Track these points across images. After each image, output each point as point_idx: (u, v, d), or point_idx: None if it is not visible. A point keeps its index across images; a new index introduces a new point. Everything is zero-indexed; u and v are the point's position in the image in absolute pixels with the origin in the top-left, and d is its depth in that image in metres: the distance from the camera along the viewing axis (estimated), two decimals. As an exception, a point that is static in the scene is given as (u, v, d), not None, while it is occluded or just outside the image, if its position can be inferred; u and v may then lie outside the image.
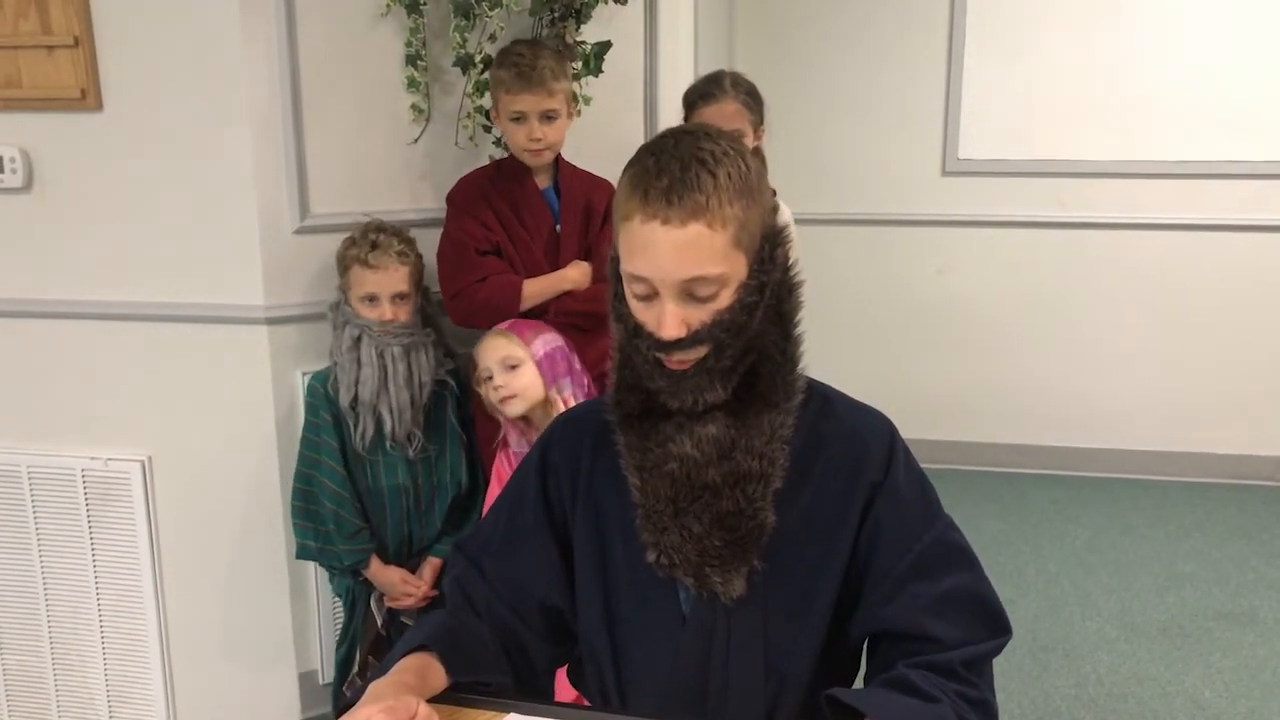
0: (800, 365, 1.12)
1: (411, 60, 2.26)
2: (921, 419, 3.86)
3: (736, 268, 1.03)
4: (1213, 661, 2.69)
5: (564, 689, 1.36)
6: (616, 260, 1.08)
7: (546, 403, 2.02)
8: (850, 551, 1.12)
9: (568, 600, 1.20)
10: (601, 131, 2.42)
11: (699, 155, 1.01)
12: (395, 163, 2.32)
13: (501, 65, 2.14)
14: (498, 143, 2.35)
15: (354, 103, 2.24)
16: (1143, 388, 3.93)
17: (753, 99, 2.41)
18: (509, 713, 1.08)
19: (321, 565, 2.23)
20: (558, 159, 2.25)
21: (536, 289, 2.18)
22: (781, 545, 1.10)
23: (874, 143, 3.96)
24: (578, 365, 2.09)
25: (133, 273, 2.20)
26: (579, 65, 2.35)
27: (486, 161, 2.33)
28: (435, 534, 2.22)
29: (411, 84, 2.27)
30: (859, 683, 1.16)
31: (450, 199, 2.24)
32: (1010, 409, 4.03)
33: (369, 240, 2.09)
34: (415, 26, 2.23)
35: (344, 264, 2.12)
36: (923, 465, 1.17)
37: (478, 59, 2.29)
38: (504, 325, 2.08)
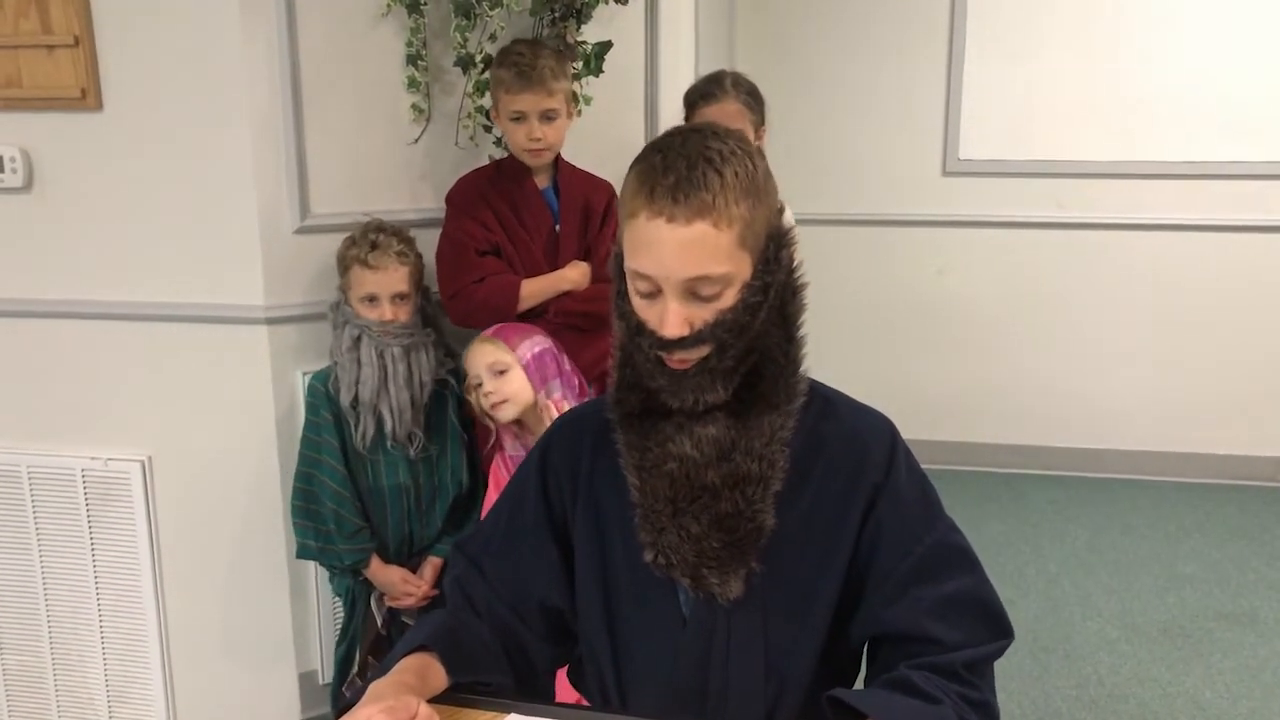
0: (802, 367, 1.12)
1: (412, 60, 2.25)
2: (921, 419, 3.86)
3: (741, 267, 1.03)
4: (1213, 662, 2.68)
5: (565, 691, 1.36)
6: (620, 257, 1.08)
7: (537, 405, 2.03)
8: (851, 553, 1.11)
9: (568, 600, 1.20)
10: (602, 131, 2.42)
11: (706, 154, 1.01)
12: (395, 162, 2.32)
13: (502, 65, 2.14)
14: (498, 143, 2.34)
15: (354, 102, 2.24)
16: (1142, 388, 3.93)
17: (754, 99, 2.41)
18: (509, 713, 1.08)
19: (322, 565, 2.23)
20: (557, 159, 2.25)
21: (535, 289, 2.18)
22: (781, 546, 1.10)
23: (874, 143, 3.96)
24: (567, 366, 2.09)
25: (133, 272, 2.20)
26: (579, 65, 2.35)
27: (487, 161, 2.33)
28: (436, 533, 2.22)
29: (412, 84, 2.27)
30: (859, 684, 1.16)
31: (449, 199, 2.24)
32: (1010, 409, 4.03)
33: (369, 240, 2.09)
34: (416, 26, 2.23)
35: (344, 264, 2.12)
36: (923, 466, 1.16)
37: (478, 59, 2.29)
38: (489, 331, 2.08)
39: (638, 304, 1.06)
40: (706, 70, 2.54)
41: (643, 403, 1.11)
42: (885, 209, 3.98)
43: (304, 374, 2.22)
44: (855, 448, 1.13)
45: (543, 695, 1.23)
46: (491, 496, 2.12)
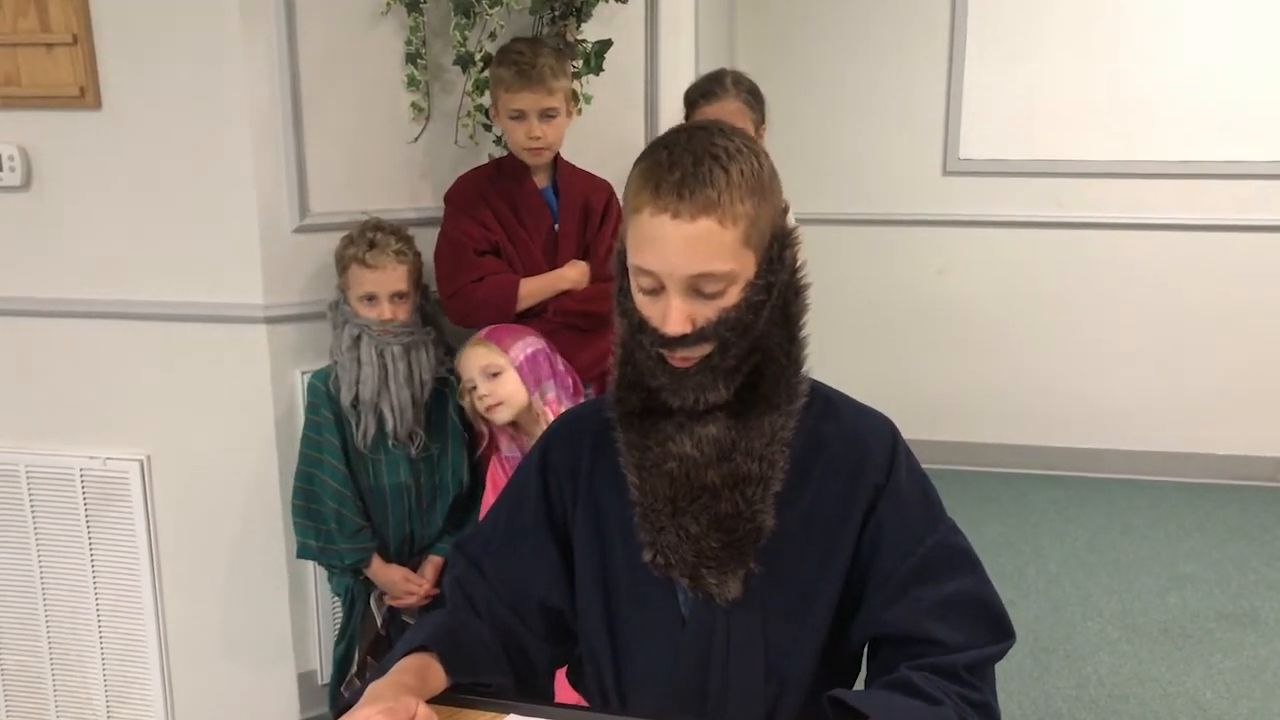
0: (804, 368, 1.11)
1: (411, 59, 2.25)
2: (921, 419, 3.86)
3: (745, 266, 1.02)
4: (1214, 662, 2.68)
5: (565, 691, 1.36)
6: (623, 253, 1.07)
7: (532, 407, 2.02)
8: (851, 554, 1.11)
9: (568, 600, 1.20)
10: (602, 130, 2.41)
11: (713, 151, 1.01)
12: (395, 161, 2.31)
13: (501, 63, 2.14)
14: (498, 141, 2.34)
15: (354, 101, 2.24)
16: (1143, 388, 3.93)
17: (754, 98, 2.41)
18: (508, 714, 1.07)
19: (322, 565, 2.23)
20: (556, 158, 2.25)
21: (534, 288, 2.18)
22: (781, 547, 1.10)
23: (874, 142, 3.96)
24: (560, 366, 2.09)
25: (131, 271, 2.20)
26: (579, 64, 2.34)
27: (486, 160, 2.33)
28: (437, 532, 2.21)
29: (411, 82, 2.26)
30: (859, 685, 1.16)
31: (448, 198, 2.23)
32: (1010, 409, 4.03)
33: (367, 239, 2.08)
34: (415, 25, 2.22)
35: (342, 263, 2.11)
36: (923, 466, 1.16)
37: (478, 57, 2.29)
38: (481, 334, 2.08)
39: (640, 301, 1.05)
40: (706, 69, 2.54)
41: (643, 402, 1.11)
42: (885, 209, 3.98)
43: (303, 373, 2.21)
44: (856, 448, 1.12)
45: (542, 696, 1.23)
46: (489, 499, 2.12)
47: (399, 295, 2.09)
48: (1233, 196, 3.74)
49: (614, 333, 1.12)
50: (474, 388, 2.04)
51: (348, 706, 1.00)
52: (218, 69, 2.09)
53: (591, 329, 2.22)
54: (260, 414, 2.23)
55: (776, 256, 1.05)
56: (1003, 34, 3.79)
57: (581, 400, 2.09)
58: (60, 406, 2.28)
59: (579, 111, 2.31)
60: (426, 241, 2.21)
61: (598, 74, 2.37)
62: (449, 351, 2.22)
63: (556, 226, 2.24)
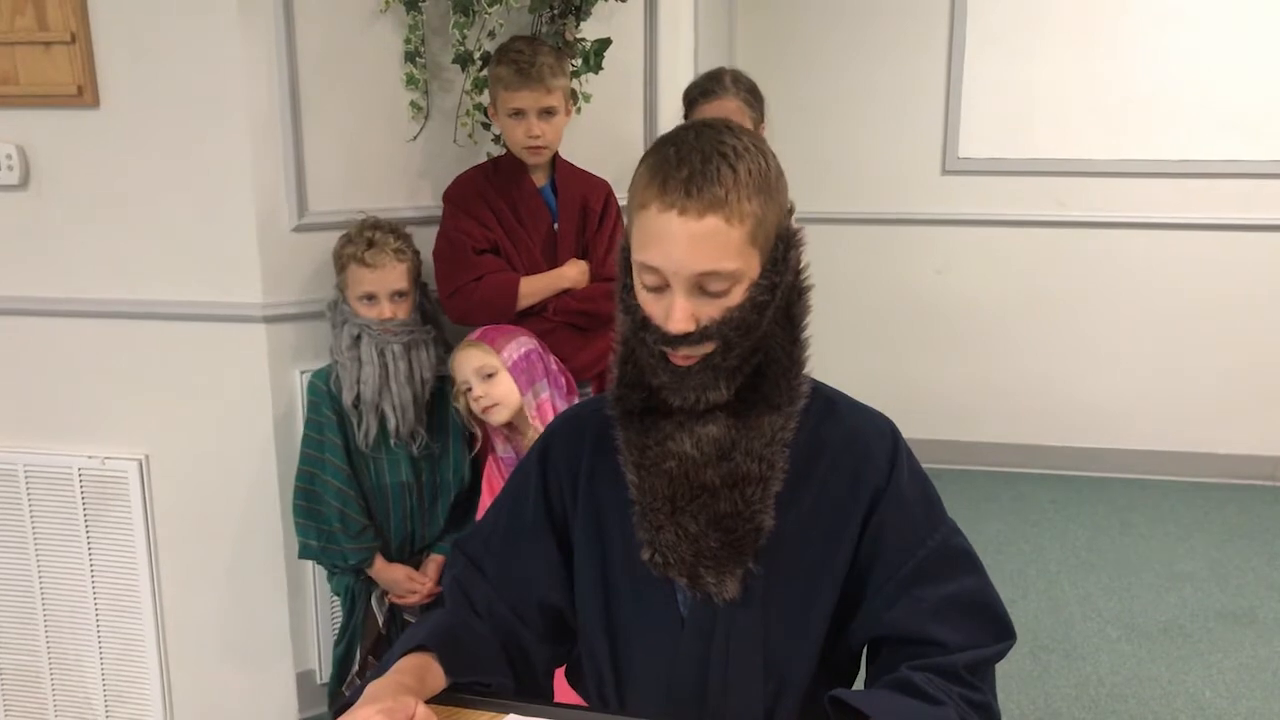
0: (805, 370, 1.11)
1: (410, 57, 2.25)
2: (921, 419, 3.85)
3: (750, 265, 1.02)
4: (1213, 661, 2.68)
5: (564, 691, 1.35)
6: (627, 250, 1.07)
7: (525, 407, 2.02)
8: (852, 555, 1.11)
9: (567, 599, 1.19)
10: (601, 129, 2.41)
11: (720, 149, 1.00)
12: (394, 160, 2.31)
13: (500, 62, 2.13)
14: (497, 140, 2.34)
15: (352, 100, 2.23)
16: (1143, 388, 3.93)
17: (753, 96, 2.40)
18: (508, 713, 1.07)
19: (324, 565, 2.22)
20: (555, 157, 2.24)
21: (533, 287, 2.17)
22: (781, 547, 1.09)
23: (874, 142, 3.95)
24: (554, 365, 2.08)
25: (130, 270, 2.19)
26: (578, 62, 2.34)
27: (485, 159, 2.32)
28: (438, 531, 2.21)
29: (410, 81, 2.26)
30: (858, 685, 1.15)
31: (447, 197, 2.23)
32: (1010, 409, 4.03)
33: (365, 238, 2.08)
34: (414, 23, 2.22)
35: (341, 263, 2.11)
36: (923, 465, 1.16)
37: (477, 56, 2.28)
38: (474, 335, 2.08)
39: (644, 298, 1.05)
40: (706, 68, 2.53)
41: (644, 400, 1.10)
42: (885, 207, 3.98)
43: (302, 372, 2.21)
44: (857, 449, 1.12)
45: (542, 695, 1.23)
46: (485, 500, 2.12)
47: (398, 294, 2.09)
48: (1233, 196, 3.74)
49: (615, 331, 1.11)
50: (469, 389, 2.03)
51: (348, 705, 0.99)
52: (216, 67, 2.08)
53: (591, 328, 2.22)
54: (259, 413, 2.22)
55: (781, 257, 1.05)
56: (1002, 33, 3.79)
57: (575, 399, 2.09)
58: (58, 406, 2.28)
59: (578, 110, 2.31)
60: (425, 241, 2.21)
61: (597, 73, 2.36)
62: (449, 350, 2.22)
63: (555, 225, 2.24)
